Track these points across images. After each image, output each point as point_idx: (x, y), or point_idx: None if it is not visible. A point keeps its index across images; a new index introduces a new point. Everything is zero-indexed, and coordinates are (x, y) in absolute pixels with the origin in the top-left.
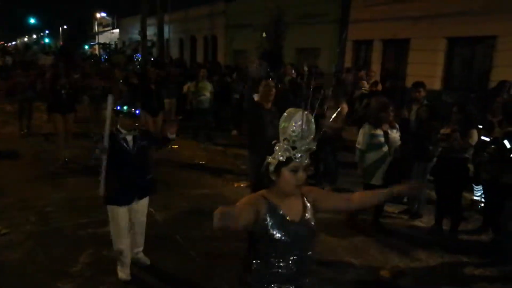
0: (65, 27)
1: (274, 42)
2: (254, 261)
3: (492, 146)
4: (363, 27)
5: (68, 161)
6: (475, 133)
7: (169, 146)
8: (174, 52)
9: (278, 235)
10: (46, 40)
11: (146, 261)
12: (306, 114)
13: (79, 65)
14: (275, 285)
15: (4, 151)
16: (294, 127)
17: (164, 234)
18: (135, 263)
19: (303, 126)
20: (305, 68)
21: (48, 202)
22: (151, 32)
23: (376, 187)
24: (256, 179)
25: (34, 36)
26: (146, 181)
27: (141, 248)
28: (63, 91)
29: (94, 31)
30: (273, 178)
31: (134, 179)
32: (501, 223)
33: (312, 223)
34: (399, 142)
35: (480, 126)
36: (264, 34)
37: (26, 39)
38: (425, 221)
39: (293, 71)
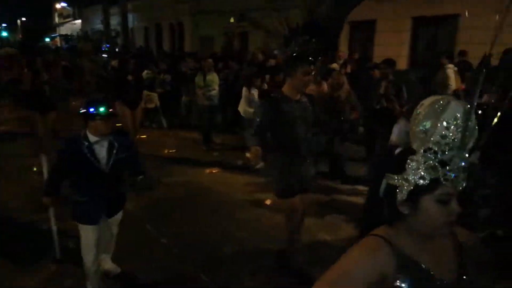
0: (23, 19)
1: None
2: None
3: None
4: None
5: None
6: None
7: (137, 136)
8: (139, 41)
9: None
10: (4, 33)
11: (116, 269)
12: (467, 106)
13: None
14: None
15: None
16: (447, 129)
17: (133, 223)
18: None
19: (461, 127)
20: (276, 52)
21: (10, 197)
22: (114, 21)
23: None
24: (366, 211)
25: None
26: (119, 194)
27: (109, 256)
28: (46, 88)
29: (54, 22)
30: (405, 211)
31: (104, 193)
32: None
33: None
34: None
35: None
36: (232, 19)
37: None
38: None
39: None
